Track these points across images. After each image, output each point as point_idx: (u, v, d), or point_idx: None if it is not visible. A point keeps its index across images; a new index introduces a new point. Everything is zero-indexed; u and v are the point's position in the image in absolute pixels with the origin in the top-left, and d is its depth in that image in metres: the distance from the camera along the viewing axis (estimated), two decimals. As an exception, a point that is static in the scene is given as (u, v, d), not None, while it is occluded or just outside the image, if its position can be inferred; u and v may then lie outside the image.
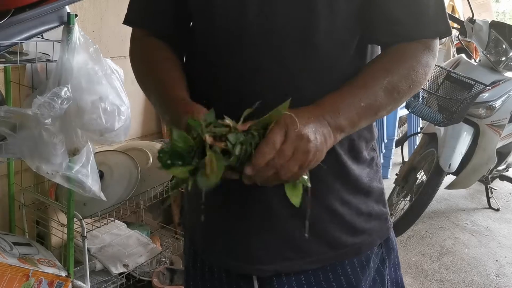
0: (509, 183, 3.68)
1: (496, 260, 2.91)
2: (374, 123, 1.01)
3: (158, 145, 2.33)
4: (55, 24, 1.53)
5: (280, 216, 0.92)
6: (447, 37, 2.86)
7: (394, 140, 3.90)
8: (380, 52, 0.94)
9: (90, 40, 1.58)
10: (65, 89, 1.45)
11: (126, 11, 1.01)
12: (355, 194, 0.96)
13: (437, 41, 0.90)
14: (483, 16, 4.08)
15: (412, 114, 3.73)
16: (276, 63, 0.86)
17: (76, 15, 1.54)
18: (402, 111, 3.92)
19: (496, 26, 3.00)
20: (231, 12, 0.86)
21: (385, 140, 3.80)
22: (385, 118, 3.69)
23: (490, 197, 3.60)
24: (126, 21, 1.01)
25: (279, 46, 0.85)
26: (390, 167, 3.92)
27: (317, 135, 0.76)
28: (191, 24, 0.98)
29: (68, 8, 1.54)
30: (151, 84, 0.93)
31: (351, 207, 0.96)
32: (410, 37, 0.87)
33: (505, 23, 3.14)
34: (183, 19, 0.96)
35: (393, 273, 1.04)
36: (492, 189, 3.61)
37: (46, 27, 1.51)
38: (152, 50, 0.96)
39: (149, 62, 0.95)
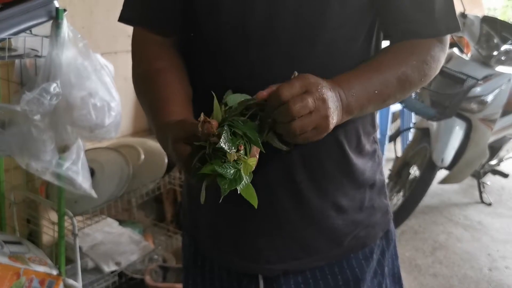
0: (501, 178, 3.70)
1: (489, 254, 2.92)
2: (377, 115, 1.01)
3: (149, 142, 2.32)
4: (44, 19, 1.50)
5: (289, 217, 0.92)
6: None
7: (387, 136, 3.91)
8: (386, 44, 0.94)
9: (79, 35, 1.55)
10: (54, 85, 1.43)
11: (119, 7, 0.95)
12: (360, 188, 0.97)
13: (448, 37, 0.91)
14: (475, 12, 4.08)
15: (405, 109, 3.74)
16: (285, 61, 0.85)
17: (65, 10, 1.52)
18: (395, 106, 3.92)
19: (487, 20, 3.01)
20: (239, 9, 0.84)
21: (378, 136, 3.81)
22: (378, 113, 3.68)
23: (482, 192, 3.61)
24: (123, 19, 0.95)
25: (287, 44, 0.84)
26: (383, 162, 3.93)
27: (333, 104, 0.73)
28: (196, 19, 0.93)
29: (56, 3, 1.51)
30: (146, 109, 0.90)
31: (357, 202, 0.97)
32: (423, 35, 0.87)
33: (497, 18, 3.16)
34: (187, 15, 0.92)
35: (391, 264, 1.05)
36: (484, 184, 3.62)
37: (35, 22, 1.49)
38: (148, 63, 0.91)
39: (143, 79, 0.91)
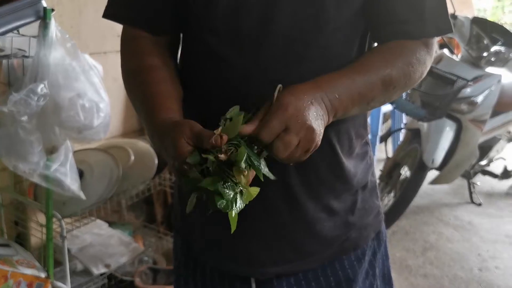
0: (491, 178, 3.72)
1: (479, 254, 2.93)
2: (368, 118, 1.01)
3: (139, 143, 2.30)
4: (31, 19, 1.48)
5: (283, 220, 0.92)
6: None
7: (378, 136, 3.91)
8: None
9: (67, 35, 1.54)
10: (42, 85, 1.42)
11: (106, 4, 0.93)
12: (352, 190, 0.97)
13: (435, 39, 0.90)
14: (465, 13, 4.10)
15: (396, 110, 3.75)
16: (280, 64, 0.84)
17: (52, 10, 1.50)
18: (385, 107, 3.93)
19: (477, 22, 3.03)
20: (233, 12, 0.83)
21: (370, 137, 3.80)
22: (369, 114, 3.69)
23: (472, 192, 3.63)
24: (109, 15, 0.92)
25: (282, 47, 0.83)
26: (374, 163, 3.93)
27: (318, 120, 0.73)
28: (190, 21, 0.91)
29: (44, 3, 1.50)
30: (138, 104, 0.88)
31: (349, 204, 0.97)
32: (413, 35, 0.86)
33: (487, 19, 3.17)
34: (179, 14, 0.90)
35: (381, 265, 1.05)
36: (474, 184, 3.64)
37: (22, 22, 1.47)
38: (140, 58, 0.89)
39: (135, 74, 0.89)
